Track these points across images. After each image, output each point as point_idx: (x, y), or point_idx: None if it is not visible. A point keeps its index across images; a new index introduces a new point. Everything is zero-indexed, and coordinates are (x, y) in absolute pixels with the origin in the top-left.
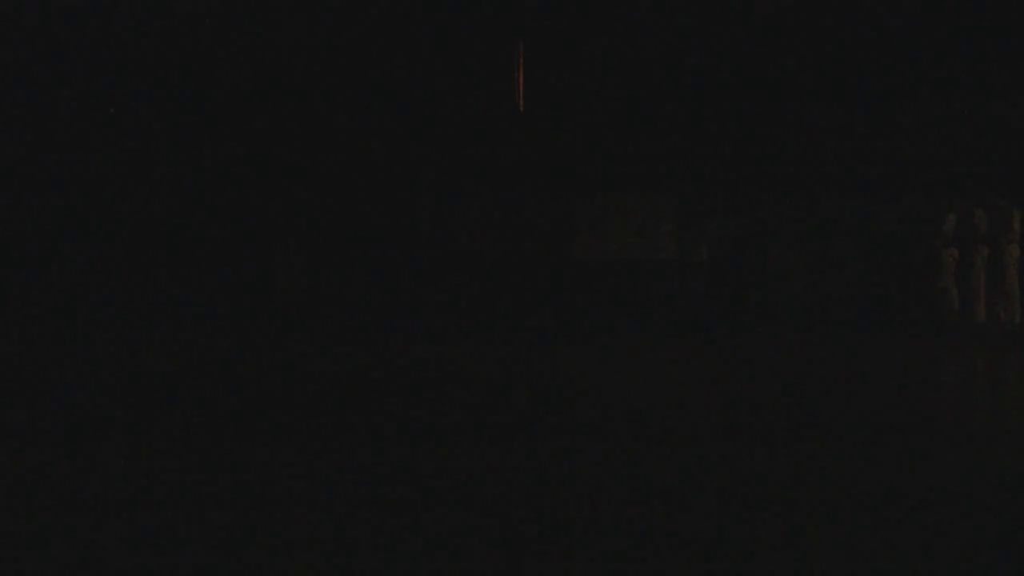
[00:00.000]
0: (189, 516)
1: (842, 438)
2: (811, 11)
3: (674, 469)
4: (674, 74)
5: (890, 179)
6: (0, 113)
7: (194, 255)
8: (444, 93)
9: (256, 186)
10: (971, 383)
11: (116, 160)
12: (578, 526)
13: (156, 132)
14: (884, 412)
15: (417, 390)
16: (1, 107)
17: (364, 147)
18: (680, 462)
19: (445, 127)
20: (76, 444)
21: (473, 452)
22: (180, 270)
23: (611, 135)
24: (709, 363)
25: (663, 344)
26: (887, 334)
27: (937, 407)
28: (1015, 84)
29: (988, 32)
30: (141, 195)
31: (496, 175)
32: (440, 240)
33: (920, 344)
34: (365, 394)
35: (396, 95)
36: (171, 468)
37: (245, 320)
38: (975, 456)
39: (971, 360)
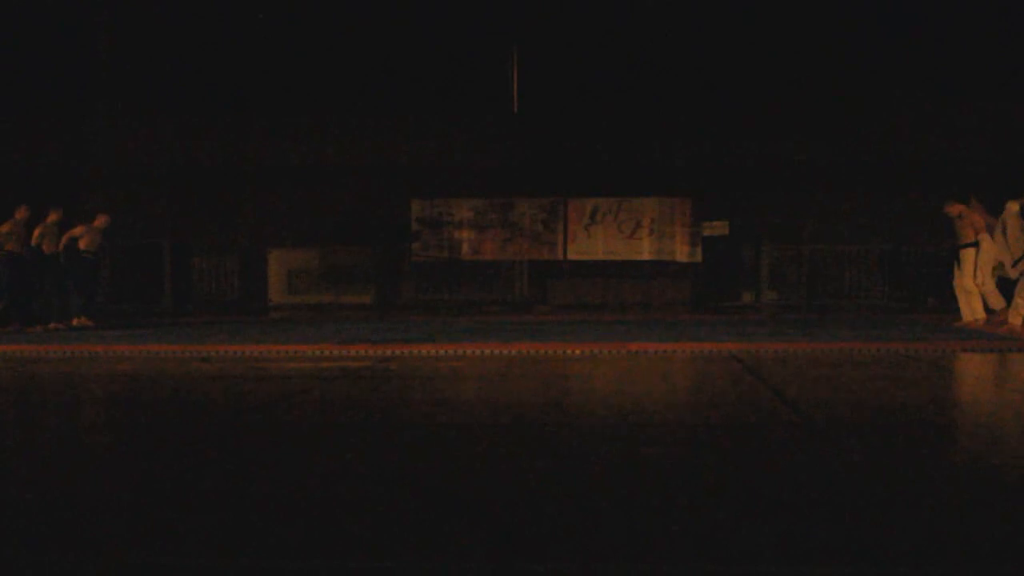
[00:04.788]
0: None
1: (842, 438)
2: (809, 14)
3: (673, 469)
4: (669, 76)
5: (895, 178)
6: None
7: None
8: (440, 93)
9: (248, 186)
10: (982, 382)
11: None
12: (574, 528)
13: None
14: (885, 411)
15: (410, 389)
16: None
17: (359, 146)
18: (678, 462)
19: (441, 127)
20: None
21: (469, 452)
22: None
23: (605, 137)
24: (705, 362)
25: (658, 342)
26: (895, 329)
27: (939, 407)
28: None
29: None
30: None
31: (490, 175)
32: (432, 239)
33: (925, 340)
34: (363, 394)
35: (394, 93)
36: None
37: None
38: (979, 456)
39: (982, 358)
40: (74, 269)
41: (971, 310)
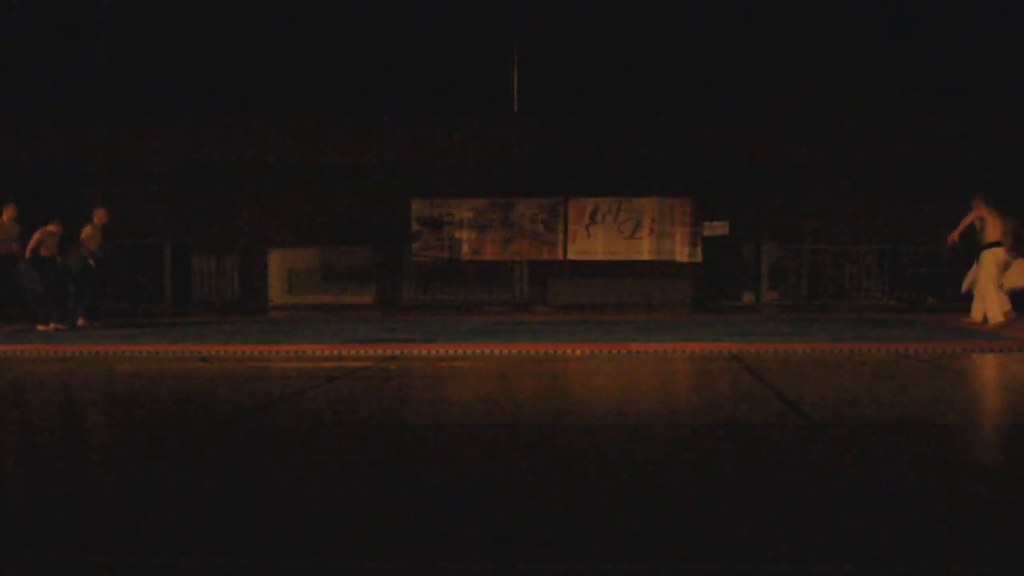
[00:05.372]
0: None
1: (843, 438)
2: (808, 15)
3: (673, 468)
4: (669, 76)
5: (895, 178)
6: None
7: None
8: (440, 92)
9: (248, 186)
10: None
11: None
12: (575, 528)
13: None
14: (885, 411)
15: (410, 389)
16: None
17: (359, 146)
18: (678, 462)
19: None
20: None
21: (469, 452)
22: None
23: (605, 137)
24: (705, 362)
25: (658, 342)
26: (895, 329)
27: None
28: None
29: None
30: None
31: (490, 175)
32: (430, 238)
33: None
34: (367, 393)
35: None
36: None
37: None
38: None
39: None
40: (82, 270)
41: (992, 306)
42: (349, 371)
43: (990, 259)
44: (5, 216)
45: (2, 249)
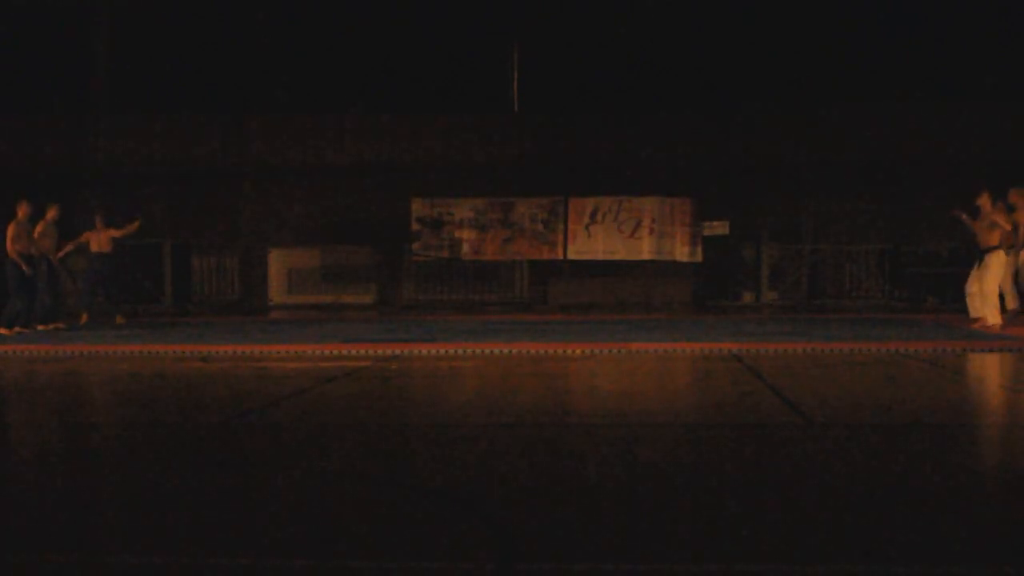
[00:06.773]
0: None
1: (843, 437)
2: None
3: (674, 468)
4: (670, 76)
5: (895, 178)
6: None
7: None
8: (440, 92)
9: (248, 186)
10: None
11: None
12: (574, 528)
13: None
14: (885, 411)
15: (410, 389)
16: None
17: (359, 146)
18: (679, 462)
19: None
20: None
21: (469, 452)
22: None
23: (605, 137)
24: (706, 362)
25: (658, 342)
26: (895, 329)
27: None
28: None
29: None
30: None
31: (490, 175)
32: (434, 237)
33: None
34: (373, 391)
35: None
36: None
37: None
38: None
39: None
40: (99, 264)
41: (991, 312)
42: (349, 371)
43: (994, 261)
44: (20, 215)
45: (23, 248)
